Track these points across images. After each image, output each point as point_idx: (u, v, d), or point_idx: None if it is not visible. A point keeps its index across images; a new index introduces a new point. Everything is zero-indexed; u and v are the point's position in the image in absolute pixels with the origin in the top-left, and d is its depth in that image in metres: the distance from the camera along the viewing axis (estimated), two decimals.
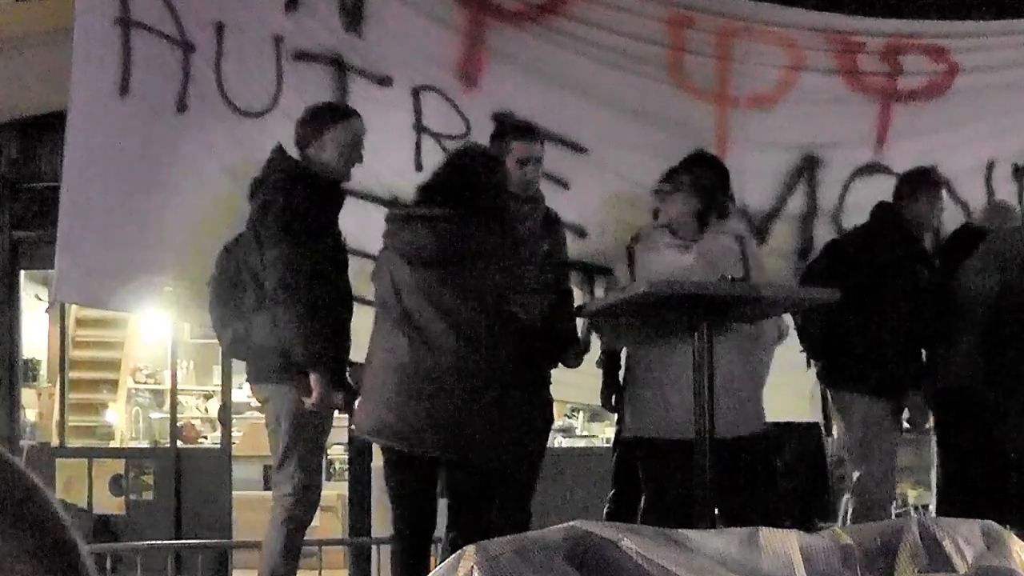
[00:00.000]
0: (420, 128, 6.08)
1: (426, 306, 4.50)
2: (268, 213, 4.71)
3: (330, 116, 5.01)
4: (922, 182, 5.89)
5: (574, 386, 5.22)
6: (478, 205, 4.59)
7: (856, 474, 5.68)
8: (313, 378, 4.60)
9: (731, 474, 4.83)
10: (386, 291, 4.63)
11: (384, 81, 6.05)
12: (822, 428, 7.07)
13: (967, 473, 5.67)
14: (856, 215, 6.35)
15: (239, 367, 10.44)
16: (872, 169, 6.54)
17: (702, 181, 5.02)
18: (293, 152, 4.94)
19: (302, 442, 4.76)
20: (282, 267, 4.60)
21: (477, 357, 4.48)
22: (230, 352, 5.10)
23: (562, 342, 5.15)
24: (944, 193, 6.08)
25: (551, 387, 5.25)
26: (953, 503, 5.50)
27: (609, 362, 5.41)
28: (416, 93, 6.10)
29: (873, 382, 5.60)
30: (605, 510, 5.57)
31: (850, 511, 5.66)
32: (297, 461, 4.76)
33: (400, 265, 4.58)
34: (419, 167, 6.06)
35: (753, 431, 5.02)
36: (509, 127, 5.38)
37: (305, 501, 4.80)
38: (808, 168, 6.52)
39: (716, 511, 4.67)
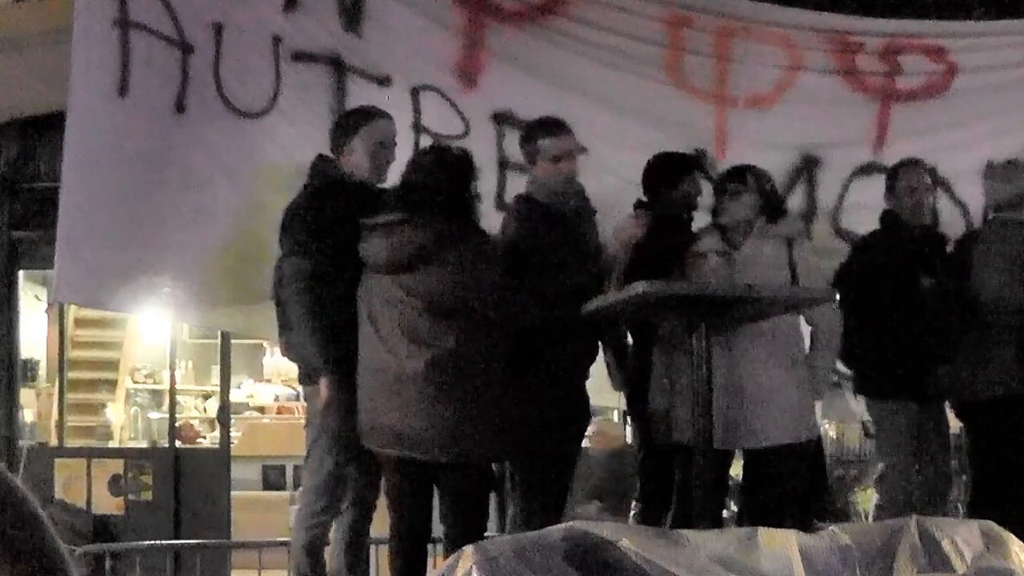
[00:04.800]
0: (419, 128, 6.08)
1: (385, 312, 4.57)
2: (291, 221, 4.82)
3: (355, 120, 5.05)
4: (899, 169, 5.87)
5: None
6: (440, 207, 4.60)
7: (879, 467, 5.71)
8: (321, 382, 4.69)
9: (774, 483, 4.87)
10: (360, 299, 4.69)
11: (383, 81, 6.05)
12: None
13: (1000, 485, 5.59)
14: (855, 215, 6.34)
15: (237, 367, 10.48)
16: (871, 169, 6.52)
17: (764, 184, 5.01)
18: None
19: (319, 444, 4.84)
20: (295, 276, 4.69)
21: (443, 361, 4.51)
22: (286, 356, 5.26)
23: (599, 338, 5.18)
24: (939, 190, 6.05)
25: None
26: (984, 515, 5.44)
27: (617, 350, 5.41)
28: (415, 93, 6.10)
29: (892, 388, 5.61)
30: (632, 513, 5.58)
31: (872, 509, 5.66)
32: (314, 461, 4.86)
33: (367, 273, 4.66)
34: None
35: (799, 439, 5.03)
36: (537, 126, 5.32)
37: (320, 501, 4.84)
38: (807, 168, 6.52)
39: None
